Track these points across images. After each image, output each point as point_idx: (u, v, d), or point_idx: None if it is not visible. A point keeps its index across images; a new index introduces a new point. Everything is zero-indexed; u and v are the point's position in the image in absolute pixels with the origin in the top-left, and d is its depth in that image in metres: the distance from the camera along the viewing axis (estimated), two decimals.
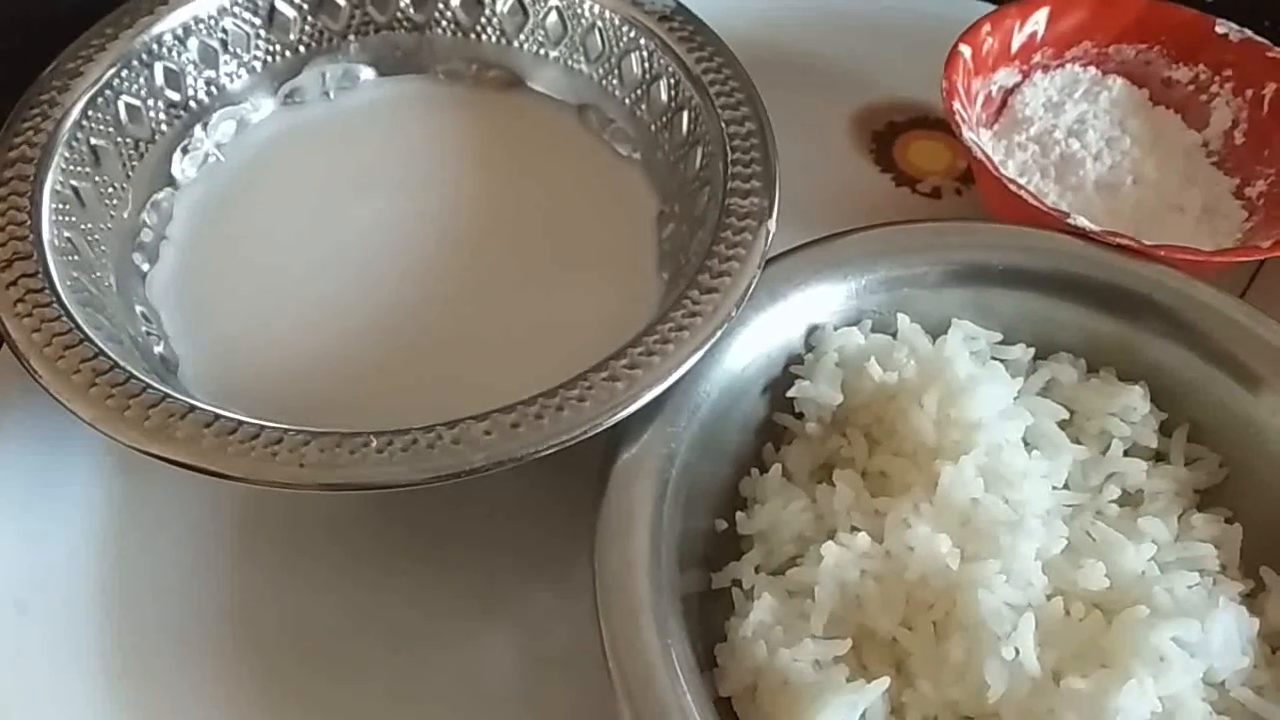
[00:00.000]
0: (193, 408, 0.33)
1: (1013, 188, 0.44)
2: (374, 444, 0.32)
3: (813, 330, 0.40)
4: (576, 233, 0.45)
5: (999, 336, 0.41)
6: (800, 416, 0.40)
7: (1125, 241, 0.41)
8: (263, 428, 0.32)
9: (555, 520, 0.39)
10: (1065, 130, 0.50)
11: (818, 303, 0.40)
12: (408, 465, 0.32)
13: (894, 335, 0.41)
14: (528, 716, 0.37)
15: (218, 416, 0.32)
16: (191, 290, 0.43)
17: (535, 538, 0.39)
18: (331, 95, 0.48)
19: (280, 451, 0.32)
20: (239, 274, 0.44)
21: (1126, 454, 0.39)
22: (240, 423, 0.32)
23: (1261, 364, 0.39)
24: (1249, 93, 0.50)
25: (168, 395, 0.33)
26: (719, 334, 0.36)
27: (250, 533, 0.40)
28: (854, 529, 0.36)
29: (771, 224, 0.39)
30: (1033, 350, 0.41)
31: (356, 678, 0.37)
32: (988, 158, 0.45)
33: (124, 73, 0.43)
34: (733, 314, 0.37)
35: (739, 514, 0.38)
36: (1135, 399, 0.40)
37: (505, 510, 0.40)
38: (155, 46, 0.44)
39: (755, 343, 0.39)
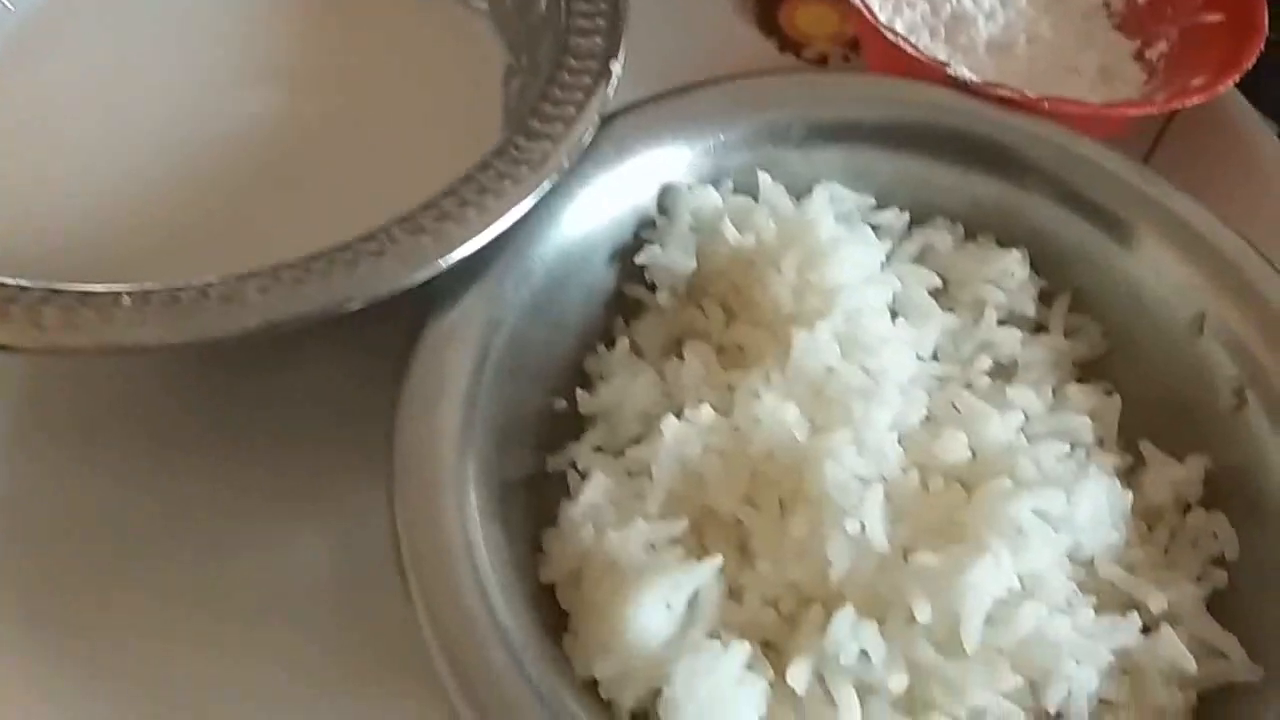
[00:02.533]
0: None
1: (889, 35, 0.40)
2: (126, 301, 0.27)
3: (665, 191, 0.36)
4: (412, 90, 0.41)
5: (872, 201, 0.38)
6: (652, 287, 0.36)
7: (1007, 94, 0.38)
8: None
9: (367, 401, 0.35)
10: None
11: (671, 160, 0.36)
12: (165, 326, 0.27)
13: (757, 199, 0.37)
14: (341, 618, 0.33)
15: None
16: None
17: (346, 420, 0.35)
18: None
19: (13, 311, 0.27)
20: (24, 130, 0.39)
21: (1003, 323, 0.36)
22: None
23: (1148, 226, 0.36)
24: None
25: None
26: (547, 185, 0.32)
27: (29, 415, 0.35)
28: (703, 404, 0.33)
29: (616, 67, 0.35)
30: (907, 215, 0.38)
31: (147, 580, 0.33)
32: (865, 5, 0.41)
33: None
34: (565, 164, 0.32)
35: (580, 392, 0.35)
36: (1012, 264, 0.37)
37: (312, 391, 0.36)
38: None
39: (599, 203, 0.35)
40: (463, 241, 0.30)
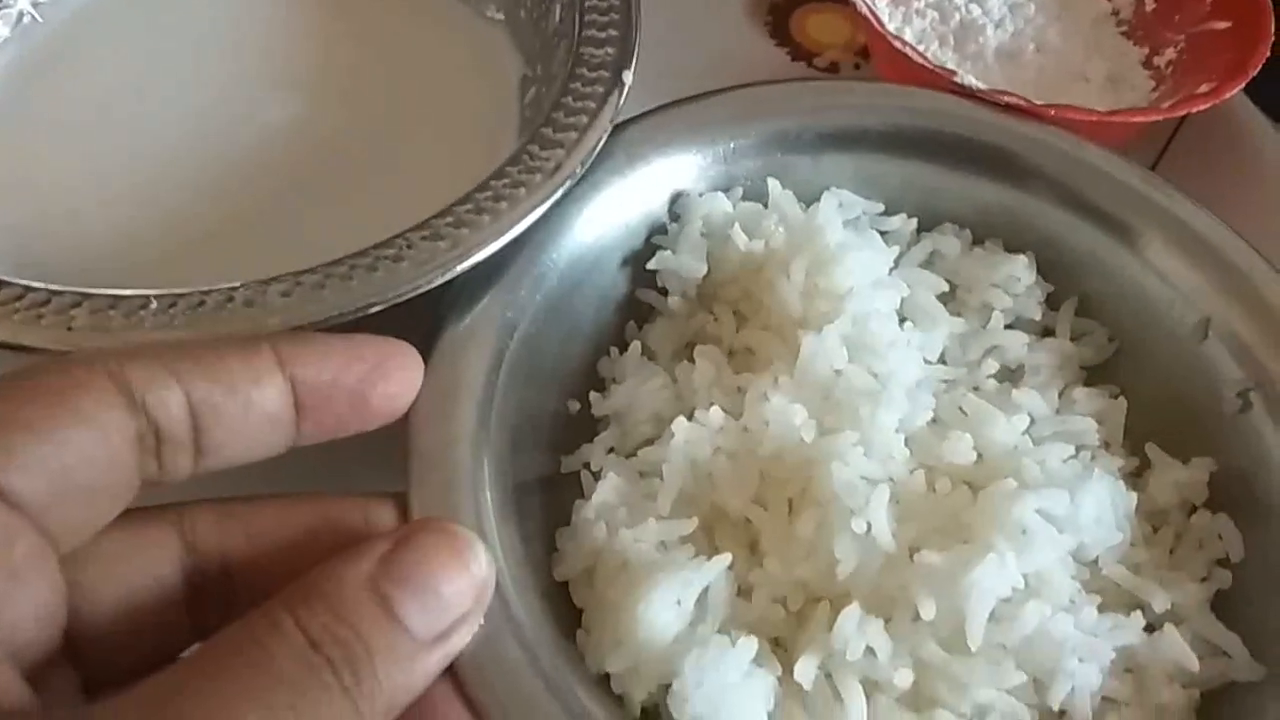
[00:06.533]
0: None
1: (897, 44, 0.40)
2: (153, 305, 0.28)
3: (676, 197, 0.37)
4: (430, 99, 0.42)
5: (880, 207, 0.38)
6: (664, 292, 0.37)
7: (1013, 100, 0.38)
8: (29, 289, 0.29)
9: None
10: None
11: (683, 168, 0.37)
12: (190, 329, 0.28)
13: (767, 206, 0.38)
14: None
15: None
16: None
17: None
18: None
19: (46, 314, 0.28)
20: (54, 141, 0.40)
21: (1010, 328, 0.37)
22: (3, 283, 0.29)
23: (1154, 232, 0.37)
24: None
25: None
26: (560, 192, 0.33)
27: None
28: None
29: (628, 76, 0.36)
30: (915, 221, 0.39)
31: None
32: (872, 13, 0.41)
33: None
34: (578, 171, 0.33)
35: (593, 394, 0.35)
36: (1019, 269, 0.37)
37: None
38: None
39: (612, 210, 0.36)
40: (478, 247, 0.31)
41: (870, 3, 0.43)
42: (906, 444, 0.32)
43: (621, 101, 0.35)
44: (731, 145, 0.38)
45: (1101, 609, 0.31)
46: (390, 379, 0.26)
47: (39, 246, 0.37)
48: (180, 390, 0.23)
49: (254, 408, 0.24)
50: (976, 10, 0.46)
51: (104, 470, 0.23)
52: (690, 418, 0.33)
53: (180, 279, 0.34)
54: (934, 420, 0.33)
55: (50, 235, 0.37)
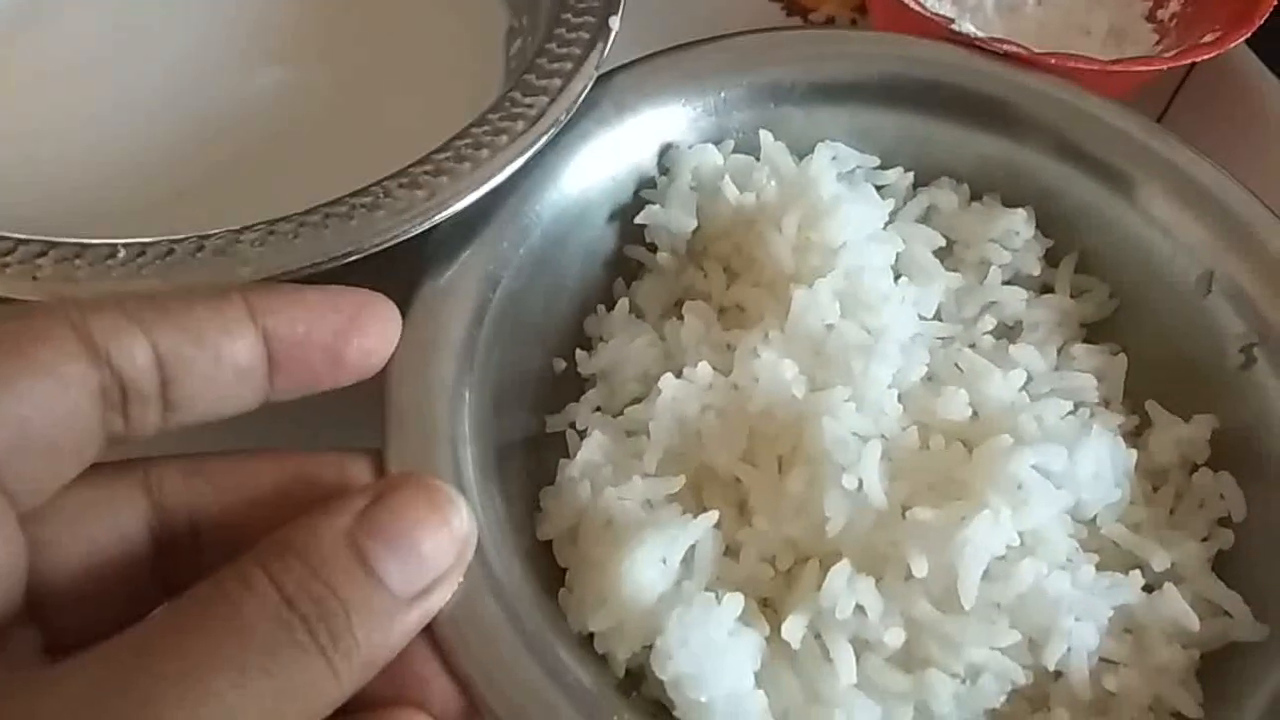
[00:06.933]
0: None
1: None
2: (121, 255, 0.27)
3: (665, 149, 0.36)
4: (415, 54, 0.41)
5: (876, 161, 0.37)
6: (653, 248, 0.36)
7: (1013, 49, 0.37)
8: None
9: None
10: None
11: (672, 119, 0.36)
12: (160, 279, 0.27)
13: (759, 159, 0.37)
14: None
15: None
16: None
17: None
18: None
19: (11, 263, 0.27)
20: (33, 94, 0.39)
21: (1008, 284, 0.36)
22: None
23: (1156, 183, 0.36)
24: None
25: None
26: (544, 140, 0.32)
27: None
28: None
29: (614, 22, 0.34)
30: (911, 175, 0.38)
31: None
32: None
33: None
34: (562, 119, 0.32)
35: (579, 352, 0.34)
36: (1018, 223, 0.36)
37: None
38: None
39: (598, 162, 0.35)
40: (456, 195, 0.30)
41: None
42: (900, 400, 0.31)
43: (608, 48, 0.34)
44: (723, 96, 0.36)
45: (1099, 568, 0.30)
46: (367, 332, 0.25)
47: (14, 197, 0.36)
48: (146, 341, 0.22)
49: (224, 360, 0.23)
50: None
51: (65, 423, 0.22)
52: (679, 376, 0.32)
53: (159, 231, 0.33)
54: (929, 376, 0.32)
55: (26, 186, 0.36)
